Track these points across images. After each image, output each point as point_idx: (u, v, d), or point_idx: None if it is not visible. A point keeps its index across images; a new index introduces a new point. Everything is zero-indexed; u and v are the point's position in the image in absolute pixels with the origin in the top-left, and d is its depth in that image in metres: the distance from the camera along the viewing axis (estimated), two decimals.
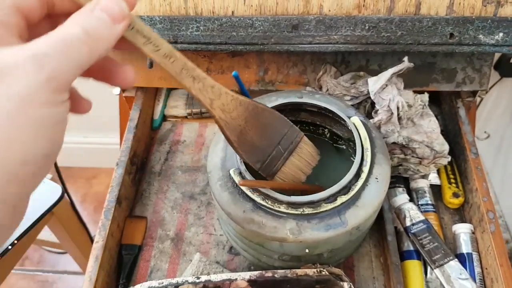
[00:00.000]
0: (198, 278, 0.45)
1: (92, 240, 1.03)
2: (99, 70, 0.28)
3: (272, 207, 0.42)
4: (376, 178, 0.45)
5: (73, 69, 0.23)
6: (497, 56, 0.88)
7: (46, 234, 0.98)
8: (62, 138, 0.24)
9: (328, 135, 0.54)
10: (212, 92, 0.35)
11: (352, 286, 0.44)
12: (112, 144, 1.28)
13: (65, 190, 0.86)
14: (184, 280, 0.45)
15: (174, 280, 0.45)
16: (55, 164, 0.89)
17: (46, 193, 0.75)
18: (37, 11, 0.25)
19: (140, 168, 0.63)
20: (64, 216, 0.85)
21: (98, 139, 1.36)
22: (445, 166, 0.59)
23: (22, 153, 0.21)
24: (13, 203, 0.21)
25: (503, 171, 1.24)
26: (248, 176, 0.44)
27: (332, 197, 0.43)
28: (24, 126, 0.21)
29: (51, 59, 0.22)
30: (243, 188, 0.43)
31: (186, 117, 0.70)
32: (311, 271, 0.45)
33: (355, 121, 0.48)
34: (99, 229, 0.52)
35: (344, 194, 0.43)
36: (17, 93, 0.20)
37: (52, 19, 0.27)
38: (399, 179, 0.59)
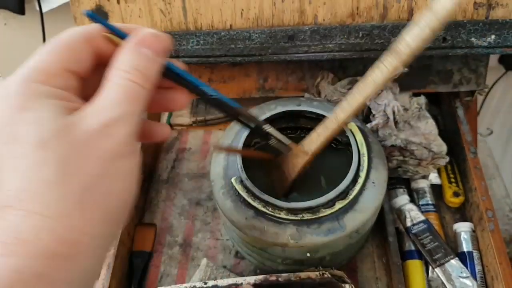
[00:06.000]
0: (206, 283, 0.47)
1: None
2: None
3: (272, 213, 0.44)
4: (373, 183, 0.46)
5: (140, 115, 0.25)
6: None
7: None
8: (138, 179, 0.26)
9: None
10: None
11: None
12: None
13: None
14: (192, 286, 0.47)
15: (182, 286, 0.47)
16: None
17: None
18: (89, 69, 0.27)
19: (148, 177, 0.66)
20: None
21: None
22: (445, 166, 0.60)
23: (123, 197, 0.24)
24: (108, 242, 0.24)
25: None
26: (249, 184, 0.46)
27: (331, 202, 0.45)
28: (119, 175, 0.23)
29: (129, 118, 0.24)
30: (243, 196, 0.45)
31: (191, 125, 0.72)
32: (313, 274, 0.46)
33: (352, 127, 0.49)
34: None
35: (342, 199, 0.45)
36: (108, 151, 0.23)
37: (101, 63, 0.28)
38: (400, 180, 0.60)
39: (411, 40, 0.37)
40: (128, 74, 0.25)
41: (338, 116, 0.44)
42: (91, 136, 0.22)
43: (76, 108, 0.24)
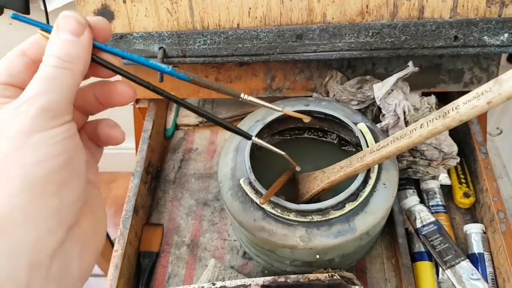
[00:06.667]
0: (214, 284, 0.47)
1: (112, 244, 1.05)
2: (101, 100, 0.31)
3: (281, 215, 0.44)
4: (384, 184, 0.46)
5: (64, 94, 0.26)
6: None
7: None
8: (77, 149, 0.27)
9: (336, 140, 0.55)
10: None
11: None
12: (129, 149, 1.31)
13: None
14: (200, 286, 0.47)
15: (190, 287, 0.47)
16: None
17: None
18: (28, 77, 0.28)
19: (155, 177, 0.65)
20: None
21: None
22: (455, 166, 0.59)
23: (45, 166, 0.24)
24: (56, 210, 0.25)
25: None
26: (257, 185, 0.45)
27: (341, 204, 0.44)
28: (34, 146, 0.24)
29: (39, 97, 0.25)
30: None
31: (197, 125, 0.71)
32: (322, 276, 0.46)
33: (362, 127, 0.49)
34: (118, 238, 0.54)
35: (352, 201, 0.44)
36: (17, 128, 0.24)
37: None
38: (409, 181, 0.59)
39: (464, 111, 0.34)
40: (44, 62, 0.26)
41: (365, 158, 0.43)
42: (5, 119, 0.25)
43: None
